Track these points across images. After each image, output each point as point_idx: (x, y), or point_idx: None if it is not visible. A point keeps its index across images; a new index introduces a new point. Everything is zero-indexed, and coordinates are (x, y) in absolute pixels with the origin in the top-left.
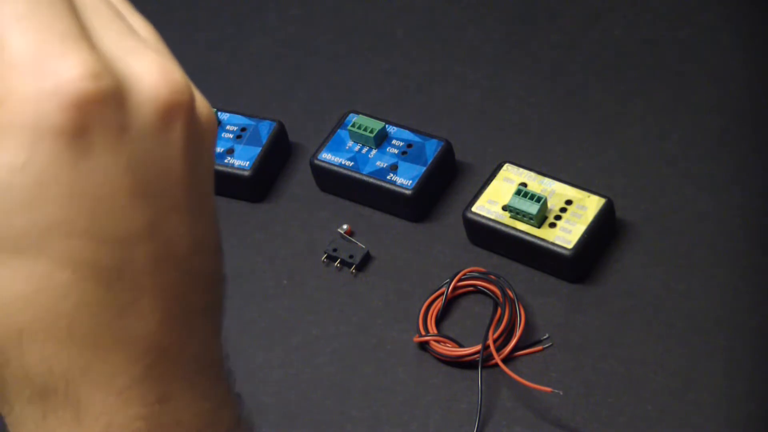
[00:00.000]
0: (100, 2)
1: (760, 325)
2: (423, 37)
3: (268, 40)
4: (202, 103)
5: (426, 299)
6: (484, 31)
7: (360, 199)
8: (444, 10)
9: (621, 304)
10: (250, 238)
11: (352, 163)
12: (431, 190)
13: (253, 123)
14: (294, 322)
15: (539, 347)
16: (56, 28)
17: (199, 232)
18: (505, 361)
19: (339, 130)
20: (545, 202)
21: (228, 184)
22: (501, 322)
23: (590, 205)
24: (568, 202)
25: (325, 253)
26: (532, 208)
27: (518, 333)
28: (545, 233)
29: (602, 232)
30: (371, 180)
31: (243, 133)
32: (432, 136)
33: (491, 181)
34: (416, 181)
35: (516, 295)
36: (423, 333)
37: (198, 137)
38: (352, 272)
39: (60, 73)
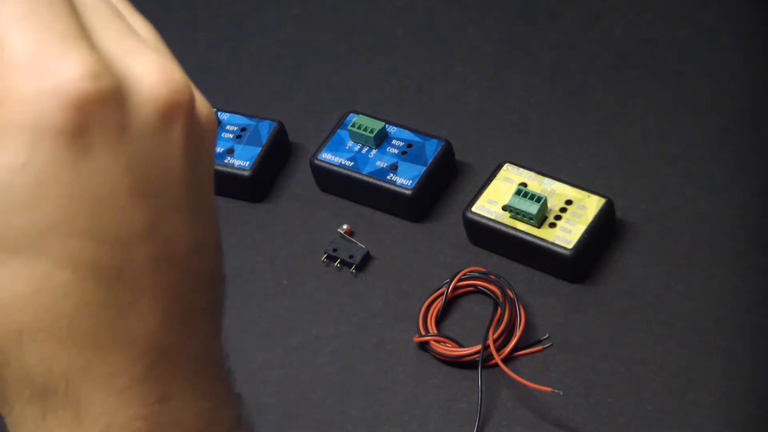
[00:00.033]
0: (100, 2)
1: (760, 325)
2: (423, 37)
3: (268, 40)
4: (202, 103)
5: (426, 299)
6: (484, 31)
7: (360, 199)
8: (444, 10)
9: (621, 304)
10: (250, 238)
11: (352, 163)
12: (431, 190)
13: (253, 123)
14: (294, 322)
15: (539, 347)
16: (56, 28)
17: (199, 232)
18: (505, 361)
19: (339, 130)
20: (545, 202)
21: (228, 184)
22: (501, 322)
23: (590, 205)
24: (568, 202)
25: (325, 253)
26: (532, 208)
27: (518, 333)
28: (545, 233)
29: (602, 232)
30: (371, 180)
31: (243, 133)
32: (432, 136)
33: (491, 181)
34: (416, 181)
35: (516, 295)
36: (423, 333)
37: (198, 137)
38: (352, 272)
39: (60, 73)
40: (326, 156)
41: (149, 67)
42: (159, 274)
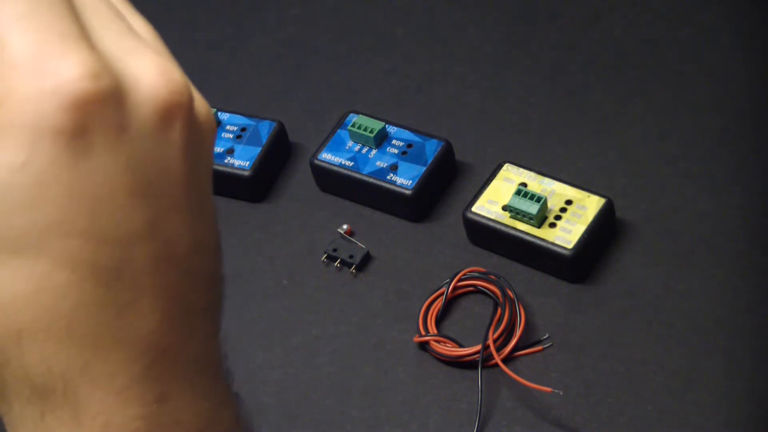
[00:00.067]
0: (100, 2)
1: (760, 325)
2: (423, 37)
3: (268, 40)
4: (200, 103)
5: (426, 299)
6: (484, 31)
7: (360, 199)
8: (444, 10)
9: (621, 304)
10: (250, 238)
11: (352, 163)
12: (431, 190)
13: (253, 123)
14: (294, 322)
15: (539, 347)
16: (56, 28)
17: (199, 232)
18: (505, 361)
19: (339, 130)
20: (545, 202)
21: (228, 184)
22: (501, 322)
23: (590, 205)
24: (568, 202)
25: (325, 253)
26: (532, 208)
27: (518, 333)
28: (545, 233)
29: (602, 232)
30: (371, 180)
31: (243, 133)
32: (432, 136)
33: (491, 181)
34: (416, 181)
35: (516, 295)
36: (423, 333)
37: (197, 137)
38: (352, 272)
39: (60, 73)
40: (326, 156)
41: (148, 67)
42: (158, 274)
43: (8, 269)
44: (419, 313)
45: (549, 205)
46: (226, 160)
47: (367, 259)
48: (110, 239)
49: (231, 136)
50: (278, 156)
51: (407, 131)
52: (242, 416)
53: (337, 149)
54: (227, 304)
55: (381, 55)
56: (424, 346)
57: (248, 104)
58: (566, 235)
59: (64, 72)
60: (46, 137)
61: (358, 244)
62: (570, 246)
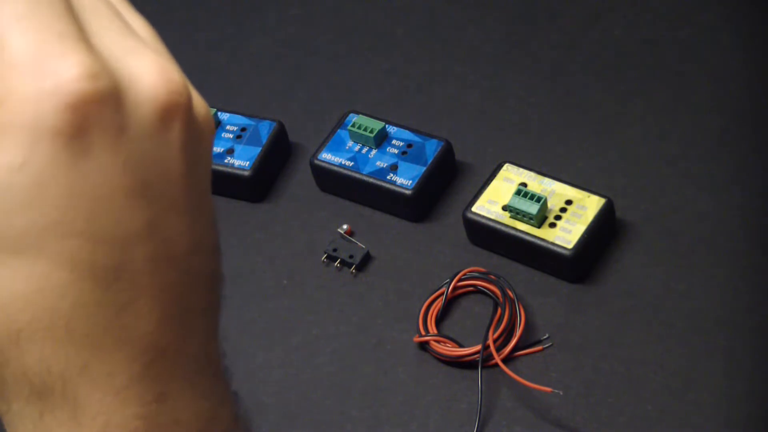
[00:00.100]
0: (99, 2)
1: (760, 325)
2: (423, 37)
3: (268, 40)
4: (199, 103)
5: (426, 299)
6: (484, 31)
7: (360, 199)
8: (444, 10)
9: (621, 304)
10: (250, 238)
11: (352, 163)
12: (431, 190)
13: (253, 123)
14: (294, 322)
15: (539, 347)
16: (55, 28)
17: (198, 232)
18: (505, 361)
19: (339, 130)
20: (545, 202)
21: (228, 184)
22: (501, 322)
23: (590, 205)
24: (568, 202)
25: (325, 253)
26: (532, 208)
27: (518, 333)
28: (545, 233)
29: (602, 232)
30: (371, 180)
31: (243, 133)
32: (432, 136)
33: (491, 181)
34: (416, 181)
35: (516, 295)
36: (423, 333)
37: (196, 137)
38: (352, 272)
39: (59, 73)
40: (326, 156)
41: (147, 67)
42: (157, 274)
43: (8, 269)
44: (419, 313)
45: (549, 205)
46: (226, 160)
47: (367, 259)
48: (109, 239)
49: (231, 136)
50: (278, 156)
51: (407, 131)
52: (241, 416)
53: (337, 149)
54: (227, 304)
55: (381, 55)
56: (424, 346)
57: (248, 104)
58: (566, 235)
59: (64, 72)
60: (45, 137)
61: (358, 244)
62: (570, 246)
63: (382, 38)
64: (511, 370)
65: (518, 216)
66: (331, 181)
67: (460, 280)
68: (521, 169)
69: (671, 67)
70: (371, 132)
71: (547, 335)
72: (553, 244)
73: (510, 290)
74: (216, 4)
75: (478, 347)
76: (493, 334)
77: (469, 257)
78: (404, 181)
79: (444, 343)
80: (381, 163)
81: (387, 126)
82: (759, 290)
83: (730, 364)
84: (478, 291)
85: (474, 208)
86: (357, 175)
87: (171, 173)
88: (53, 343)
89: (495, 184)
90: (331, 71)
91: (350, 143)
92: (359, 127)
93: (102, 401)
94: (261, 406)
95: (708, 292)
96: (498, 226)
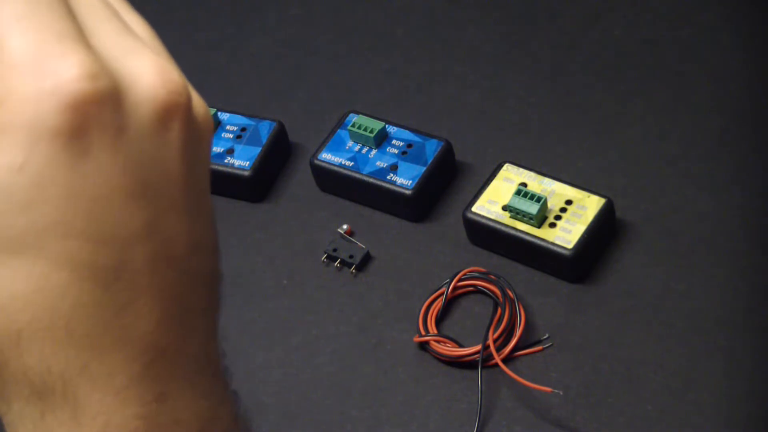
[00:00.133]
0: (98, 2)
1: (760, 325)
2: (423, 37)
3: (268, 40)
4: (198, 103)
5: (426, 299)
6: (484, 31)
7: (360, 199)
8: (444, 10)
9: (621, 304)
10: (250, 238)
11: (352, 163)
12: (431, 190)
13: (253, 123)
14: (294, 322)
15: (539, 347)
16: (55, 29)
17: (197, 232)
18: (505, 361)
19: (339, 130)
20: (545, 202)
21: (228, 184)
22: (501, 322)
23: (590, 205)
24: (568, 202)
25: (325, 253)
26: (532, 208)
27: (518, 333)
28: (545, 233)
29: (602, 232)
30: (371, 180)
31: (243, 133)
32: (432, 136)
33: (491, 181)
34: (416, 181)
35: (516, 295)
36: (423, 333)
37: (195, 137)
38: (352, 272)
39: (59, 73)
40: (326, 156)
41: (147, 67)
42: (157, 274)
43: (7, 269)
44: (419, 313)
45: (549, 205)
46: (226, 160)
47: (367, 259)
48: (108, 239)
49: (231, 136)
50: (278, 156)
51: (407, 131)
52: (241, 415)
53: (337, 149)
54: (227, 304)
55: (381, 55)
56: (424, 346)
57: (248, 104)
58: (566, 235)
59: (63, 72)
60: (45, 138)
61: (358, 244)
62: (570, 246)
63: (382, 38)
64: (511, 370)
65: (518, 216)
66: (331, 181)
67: (460, 280)
68: (521, 169)
69: (671, 67)
70: (371, 132)
71: (547, 335)
72: (553, 244)
73: (510, 290)
74: (216, 4)
75: (478, 347)
76: (493, 334)
77: (469, 257)
78: (404, 181)
79: (444, 343)
80: (381, 163)
81: (387, 126)
82: (759, 290)
83: (730, 364)
84: (478, 291)
85: (474, 208)
86: (357, 175)
87: (170, 173)
88: (53, 343)
89: (495, 184)
90: (331, 71)
91: (350, 143)
92: (359, 127)
93: (102, 401)
94: (261, 406)
95: (708, 292)
96: (498, 226)
